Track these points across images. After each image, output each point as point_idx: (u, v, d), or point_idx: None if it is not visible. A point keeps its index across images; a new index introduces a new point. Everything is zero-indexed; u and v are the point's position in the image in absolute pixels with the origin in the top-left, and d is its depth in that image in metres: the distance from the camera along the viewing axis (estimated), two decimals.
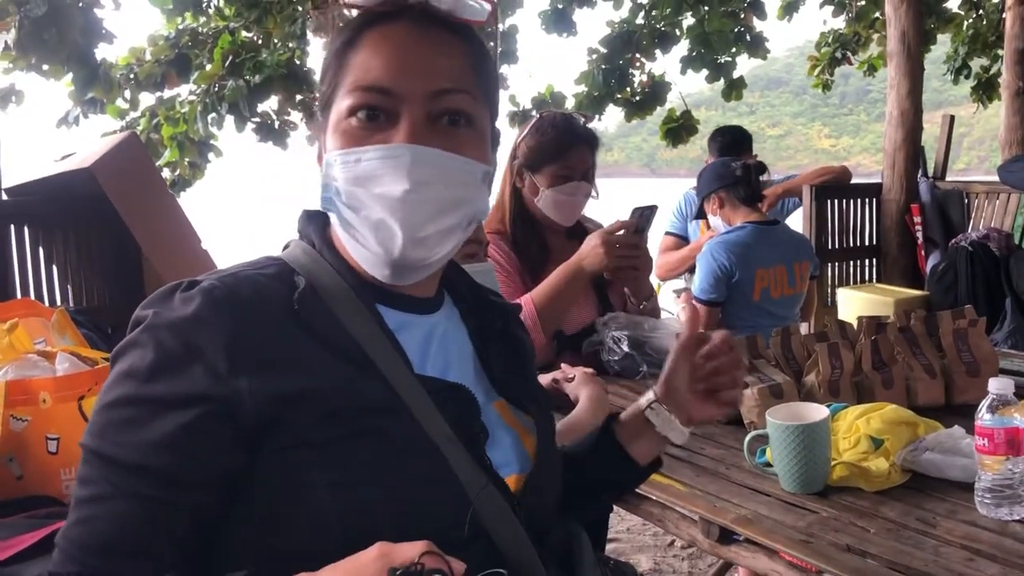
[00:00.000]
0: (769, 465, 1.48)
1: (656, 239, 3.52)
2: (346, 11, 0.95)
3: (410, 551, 0.69)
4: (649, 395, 1.16)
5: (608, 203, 2.38)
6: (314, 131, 1.03)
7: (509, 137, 2.73)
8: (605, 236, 2.07)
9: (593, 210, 2.40)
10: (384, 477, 0.82)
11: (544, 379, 1.83)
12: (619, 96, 6.48)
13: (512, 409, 1.01)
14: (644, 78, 6.52)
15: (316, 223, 0.98)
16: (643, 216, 2.11)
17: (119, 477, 0.79)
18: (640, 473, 1.19)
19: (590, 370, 1.86)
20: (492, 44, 5.41)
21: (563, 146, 2.21)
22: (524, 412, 1.03)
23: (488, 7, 0.95)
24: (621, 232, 2.09)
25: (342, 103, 0.90)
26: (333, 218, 0.94)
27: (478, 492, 0.87)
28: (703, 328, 1.18)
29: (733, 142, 3.98)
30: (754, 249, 2.93)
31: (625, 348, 2.13)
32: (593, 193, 2.26)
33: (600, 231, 2.11)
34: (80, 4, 4.41)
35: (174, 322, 0.81)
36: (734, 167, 3.01)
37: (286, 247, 0.98)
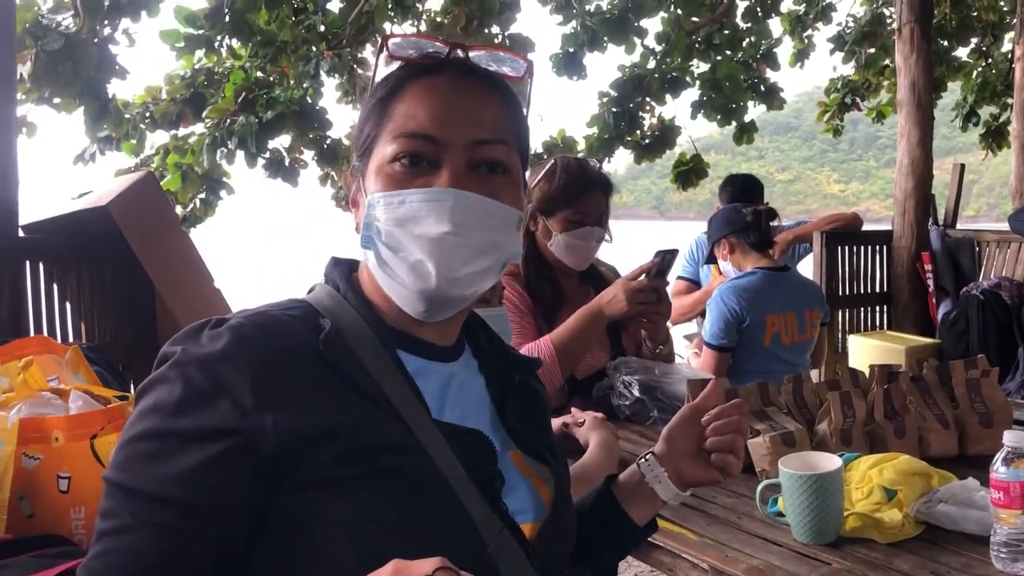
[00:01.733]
0: (781, 515, 1.47)
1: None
2: (383, 64, 0.98)
3: (424, 567, 0.68)
4: (648, 458, 1.18)
5: (618, 245, 2.38)
6: (349, 176, 1.06)
7: None
8: (627, 283, 2.08)
9: (605, 252, 2.41)
10: (400, 515, 0.83)
11: (554, 423, 1.83)
12: (629, 139, 6.55)
13: (527, 459, 1.03)
14: (654, 121, 6.58)
15: (341, 268, 1.02)
16: (664, 259, 2.11)
17: (141, 509, 0.80)
18: (637, 535, 1.20)
19: (600, 415, 1.85)
20: (526, 94, 5.38)
21: (577, 191, 2.22)
22: (540, 462, 1.04)
23: (524, 64, 1.00)
24: (642, 277, 2.09)
25: (385, 148, 0.94)
26: (370, 256, 0.96)
27: (494, 537, 0.88)
28: (715, 372, 1.18)
29: (743, 190, 3.99)
30: (764, 295, 2.94)
31: (636, 393, 2.13)
32: (607, 238, 2.27)
33: (623, 278, 2.11)
34: (96, 40, 4.49)
35: (202, 358, 0.83)
36: (745, 213, 3.03)
37: (311, 290, 1.01)
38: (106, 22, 4.60)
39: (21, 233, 3.04)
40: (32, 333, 2.87)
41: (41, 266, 3.02)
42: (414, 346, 0.97)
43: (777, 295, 2.98)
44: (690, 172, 6.67)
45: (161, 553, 0.79)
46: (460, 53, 0.97)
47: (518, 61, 0.99)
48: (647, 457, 1.17)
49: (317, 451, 0.82)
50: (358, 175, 0.99)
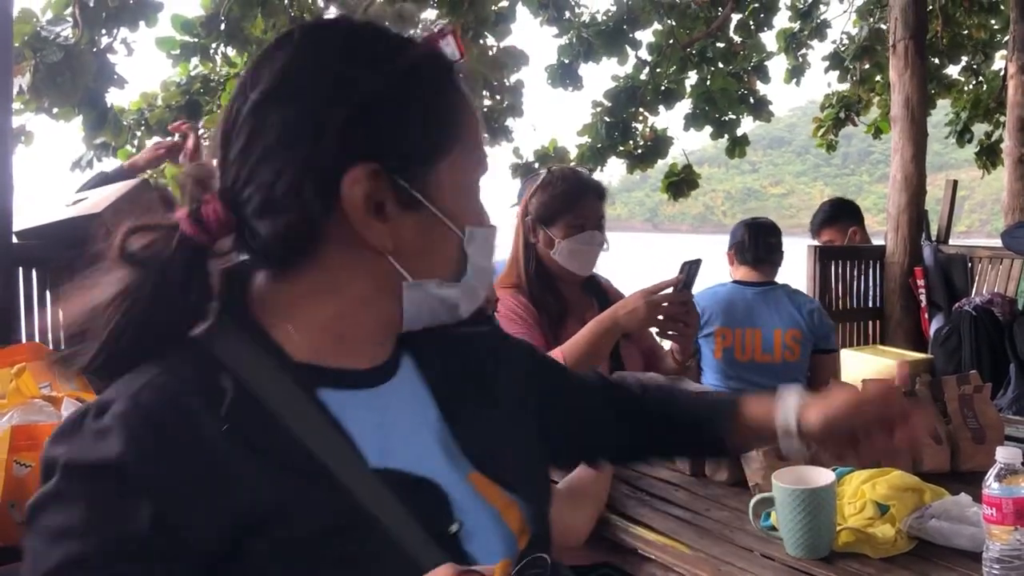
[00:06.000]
0: (774, 529, 1.47)
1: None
2: None
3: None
4: (790, 421, 1.07)
5: (612, 256, 2.38)
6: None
7: (512, 188, 2.77)
8: (647, 296, 2.03)
9: (600, 264, 2.41)
10: None
11: None
12: (621, 148, 6.57)
13: (491, 481, 0.90)
14: (647, 131, 6.61)
15: (235, 290, 0.86)
16: (690, 271, 2.06)
17: None
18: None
19: None
20: (498, 97, 5.46)
21: (574, 197, 2.25)
22: (506, 483, 0.91)
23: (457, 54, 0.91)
24: (669, 291, 2.04)
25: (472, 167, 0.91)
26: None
27: None
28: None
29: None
30: (720, 307, 2.96)
31: None
32: (605, 244, 2.29)
33: (643, 290, 2.06)
34: (95, 50, 4.50)
35: (95, 466, 0.73)
36: (745, 228, 3.14)
37: (208, 324, 0.85)
38: (104, 32, 4.61)
39: (14, 239, 3.03)
40: (24, 340, 2.86)
41: (34, 273, 3.00)
42: (334, 378, 0.84)
43: (738, 310, 2.96)
44: (681, 183, 6.71)
45: None
46: None
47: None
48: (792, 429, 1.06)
49: (251, 544, 0.74)
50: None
